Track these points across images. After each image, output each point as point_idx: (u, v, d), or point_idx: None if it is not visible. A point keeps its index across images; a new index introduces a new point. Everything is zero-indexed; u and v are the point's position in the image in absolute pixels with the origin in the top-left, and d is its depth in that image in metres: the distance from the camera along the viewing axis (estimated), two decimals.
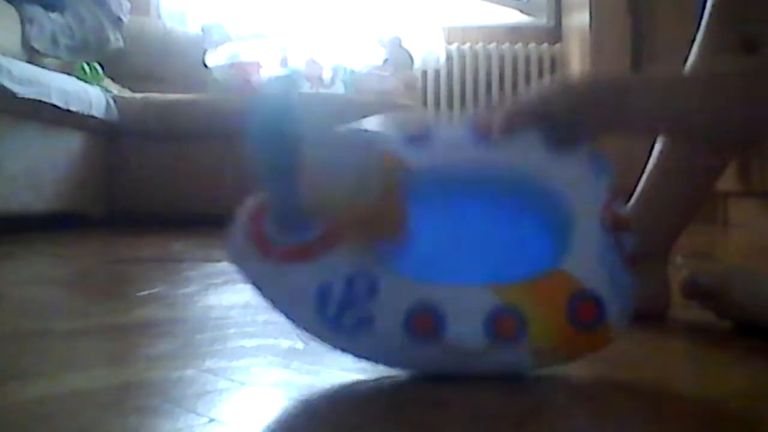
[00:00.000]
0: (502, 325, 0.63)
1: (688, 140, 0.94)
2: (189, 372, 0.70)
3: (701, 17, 1.00)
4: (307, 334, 0.74)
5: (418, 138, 0.68)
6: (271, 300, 0.68)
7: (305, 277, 0.64)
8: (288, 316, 0.68)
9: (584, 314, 0.64)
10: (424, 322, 0.62)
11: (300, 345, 0.79)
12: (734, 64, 0.76)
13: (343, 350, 0.68)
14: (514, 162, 0.68)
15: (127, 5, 3.07)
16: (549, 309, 0.64)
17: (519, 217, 0.71)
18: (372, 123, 0.70)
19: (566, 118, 0.69)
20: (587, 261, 0.66)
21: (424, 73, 3.58)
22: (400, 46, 3.21)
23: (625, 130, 0.76)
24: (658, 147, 1.01)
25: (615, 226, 0.68)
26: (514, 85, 3.65)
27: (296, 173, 0.60)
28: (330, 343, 0.67)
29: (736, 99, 0.74)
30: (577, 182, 0.68)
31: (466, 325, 0.62)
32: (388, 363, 0.68)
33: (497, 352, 0.63)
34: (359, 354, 0.68)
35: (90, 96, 2.59)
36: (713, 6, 0.98)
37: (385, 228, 0.65)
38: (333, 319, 0.64)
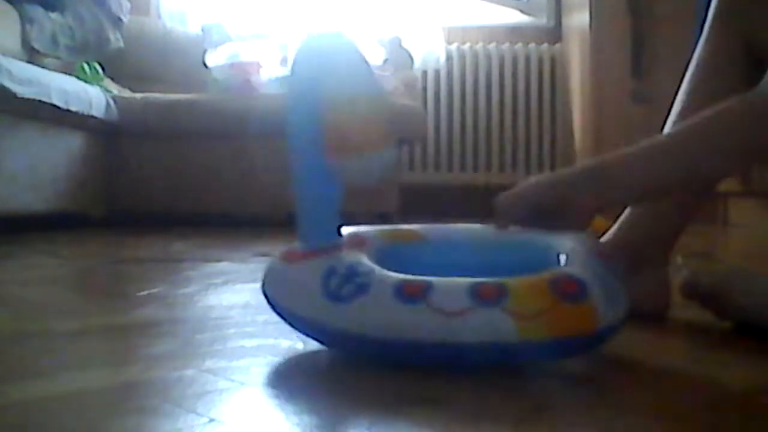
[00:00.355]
0: (484, 289, 0.68)
1: (684, 191, 0.95)
2: (189, 372, 0.70)
3: (701, 17, 0.99)
4: (305, 333, 0.75)
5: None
6: (281, 292, 0.77)
7: (316, 264, 0.75)
8: (293, 305, 0.75)
9: (566, 287, 0.68)
10: (413, 289, 0.70)
11: (300, 345, 0.79)
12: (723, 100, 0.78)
13: (342, 336, 0.71)
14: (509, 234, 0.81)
15: (127, 5, 3.07)
16: (531, 283, 0.69)
17: (513, 249, 0.83)
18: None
19: (553, 209, 0.75)
20: (574, 265, 0.73)
21: (424, 73, 3.58)
22: (400, 46, 3.21)
23: (612, 207, 0.83)
24: None
25: (604, 256, 0.76)
26: (514, 85, 3.65)
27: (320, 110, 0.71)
28: (326, 333, 0.73)
29: (725, 142, 0.76)
30: (566, 236, 0.79)
31: (450, 290, 0.69)
32: (378, 332, 0.69)
33: (479, 314, 0.67)
34: (353, 330, 0.70)
35: (90, 96, 2.58)
36: (717, 6, 0.98)
37: (379, 141, 0.75)
38: (334, 290, 0.72)
